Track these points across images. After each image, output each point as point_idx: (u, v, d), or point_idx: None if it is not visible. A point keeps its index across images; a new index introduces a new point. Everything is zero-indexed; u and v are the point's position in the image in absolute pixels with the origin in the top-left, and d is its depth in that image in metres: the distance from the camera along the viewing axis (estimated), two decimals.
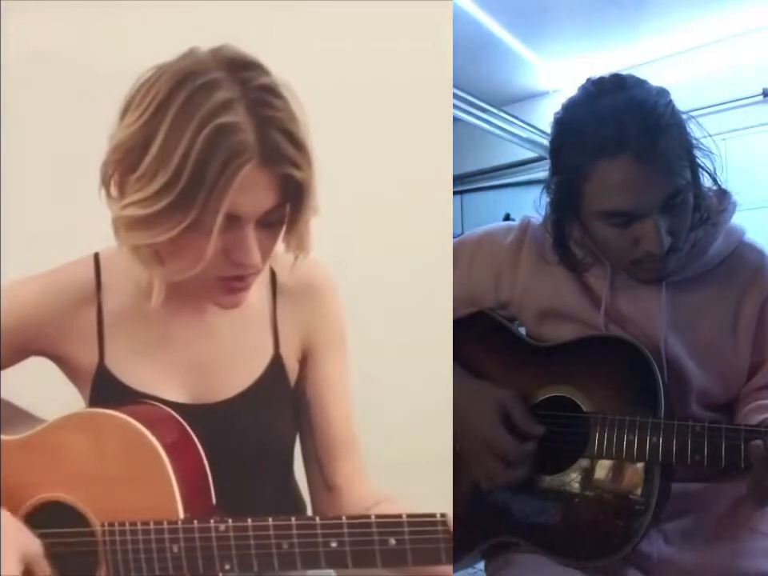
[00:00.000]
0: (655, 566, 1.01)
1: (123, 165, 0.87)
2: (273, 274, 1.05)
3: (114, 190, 0.89)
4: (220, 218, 0.83)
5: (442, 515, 0.80)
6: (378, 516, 0.81)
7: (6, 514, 0.86)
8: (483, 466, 1.04)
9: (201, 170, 0.81)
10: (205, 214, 0.83)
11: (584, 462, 1.01)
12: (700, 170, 1.00)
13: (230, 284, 0.92)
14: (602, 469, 0.99)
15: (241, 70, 0.86)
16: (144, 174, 0.84)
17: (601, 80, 1.00)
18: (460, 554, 1.03)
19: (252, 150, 0.83)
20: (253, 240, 0.87)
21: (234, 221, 0.86)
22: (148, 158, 0.83)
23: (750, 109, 3.17)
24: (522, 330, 1.17)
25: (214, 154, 0.81)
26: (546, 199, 1.07)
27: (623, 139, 0.92)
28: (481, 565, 1.13)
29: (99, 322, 0.99)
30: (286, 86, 0.88)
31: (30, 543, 0.86)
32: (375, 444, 1.12)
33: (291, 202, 0.89)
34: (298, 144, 0.86)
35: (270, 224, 0.89)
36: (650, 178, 0.93)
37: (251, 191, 0.84)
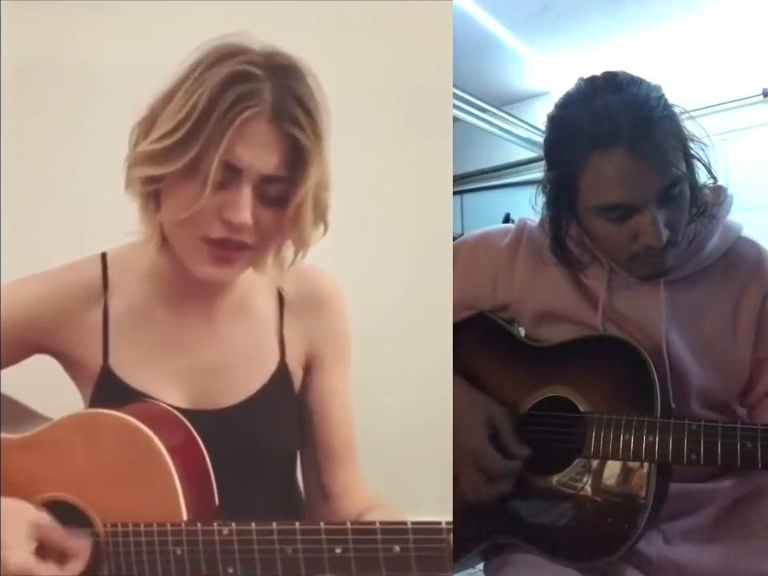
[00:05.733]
0: (654, 567, 1.01)
1: (147, 122, 0.90)
2: None
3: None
4: (217, 160, 0.84)
5: (447, 523, 0.79)
6: (382, 523, 0.80)
7: (6, 499, 0.85)
8: (468, 477, 1.04)
9: (209, 109, 0.84)
10: (205, 152, 0.85)
11: (581, 462, 1.01)
12: (695, 163, 0.99)
13: (215, 250, 0.89)
14: (600, 469, 0.99)
15: (273, 56, 0.89)
16: (164, 119, 0.87)
17: (593, 78, 1.00)
18: (459, 554, 1.03)
19: (264, 103, 0.85)
20: (246, 199, 0.87)
21: (232, 174, 0.86)
22: (171, 106, 0.87)
23: (750, 109, 3.17)
24: (522, 332, 1.17)
25: (223, 96, 0.84)
26: (541, 199, 1.07)
27: (616, 133, 0.92)
28: (481, 565, 1.13)
29: (105, 322, 0.98)
30: (314, 78, 0.91)
31: (39, 518, 0.86)
32: (375, 447, 1.12)
33: (294, 172, 0.88)
34: (310, 114, 0.88)
35: (270, 198, 0.89)
36: (645, 169, 0.93)
37: (255, 144, 0.86)
